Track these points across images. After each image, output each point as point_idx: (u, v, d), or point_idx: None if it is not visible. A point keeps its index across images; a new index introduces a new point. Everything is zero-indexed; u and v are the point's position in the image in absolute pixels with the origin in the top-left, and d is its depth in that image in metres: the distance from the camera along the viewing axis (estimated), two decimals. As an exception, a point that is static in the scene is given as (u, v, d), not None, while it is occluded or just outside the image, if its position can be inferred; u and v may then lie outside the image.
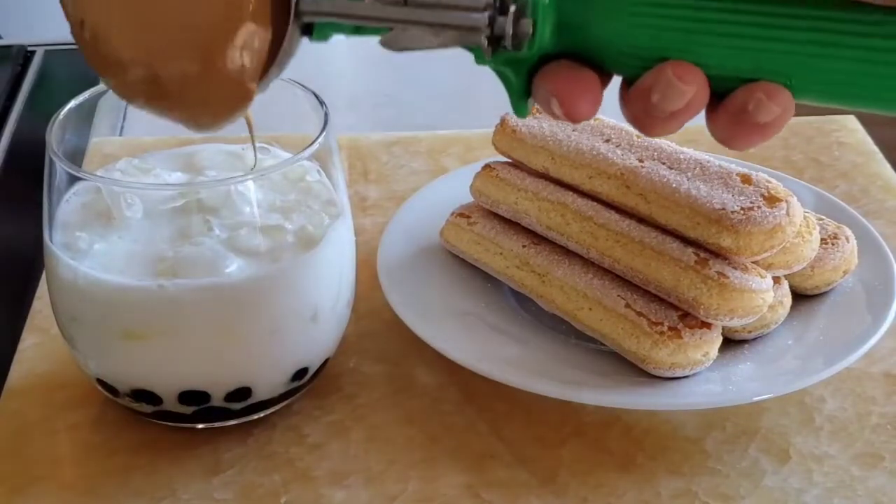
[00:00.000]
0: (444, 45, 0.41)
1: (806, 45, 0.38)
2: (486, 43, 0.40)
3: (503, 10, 0.40)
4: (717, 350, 0.55)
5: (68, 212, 0.53)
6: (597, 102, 0.40)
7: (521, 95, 0.42)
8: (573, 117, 0.40)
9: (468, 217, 0.64)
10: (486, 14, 0.40)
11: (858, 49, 0.38)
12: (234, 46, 0.42)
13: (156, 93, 0.44)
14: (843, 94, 0.39)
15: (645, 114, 0.40)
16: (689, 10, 0.39)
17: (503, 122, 0.63)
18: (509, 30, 0.39)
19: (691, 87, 0.39)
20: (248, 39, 0.42)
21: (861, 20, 0.37)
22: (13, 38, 0.94)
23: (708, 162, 0.57)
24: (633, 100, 0.40)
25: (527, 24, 0.40)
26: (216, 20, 0.41)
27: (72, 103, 0.54)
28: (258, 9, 0.41)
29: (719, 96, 0.40)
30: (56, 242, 0.52)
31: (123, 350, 0.52)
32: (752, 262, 0.55)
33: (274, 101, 0.44)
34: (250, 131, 0.52)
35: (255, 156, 0.55)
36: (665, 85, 0.39)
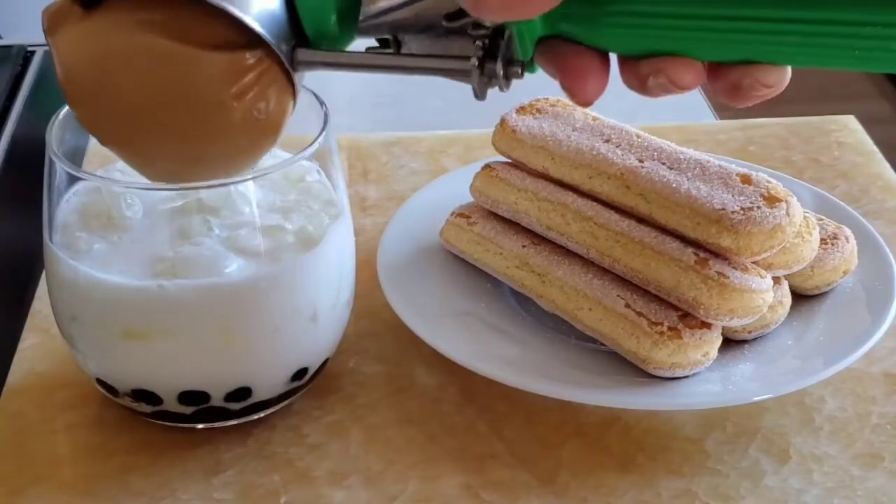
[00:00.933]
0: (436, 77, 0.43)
1: (796, 46, 0.39)
2: (478, 83, 0.41)
3: (493, 56, 0.40)
4: (717, 350, 0.55)
5: (68, 212, 0.53)
6: (603, 83, 0.42)
7: (528, 63, 0.42)
8: (582, 103, 0.41)
9: (468, 217, 0.64)
10: (476, 60, 0.40)
11: (851, 39, 0.38)
12: (259, 147, 0.47)
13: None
14: (836, 65, 0.39)
15: (641, 88, 0.41)
16: (671, 21, 0.39)
17: (503, 122, 0.63)
18: (500, 72, 0.40)
19: (684, 88, 0.40)
20: (269, 134, 0.46)
21: (847, 19, 0.37)
22: (13, 38, 0.93)
23: (708, 162, 0.57)
24: (630, 76, 0.41)
25: (516, 69, 0.40)
26: (244, 129, 0.45)
27: (72, 103, 0.54)
28: (275, 98, 0.45)
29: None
30: (56, 242, 0.52)
31: (123, 350, 0.52)
32: (752, 262, 0.55)
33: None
34: None
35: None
36: (659, 83, 0.40)
